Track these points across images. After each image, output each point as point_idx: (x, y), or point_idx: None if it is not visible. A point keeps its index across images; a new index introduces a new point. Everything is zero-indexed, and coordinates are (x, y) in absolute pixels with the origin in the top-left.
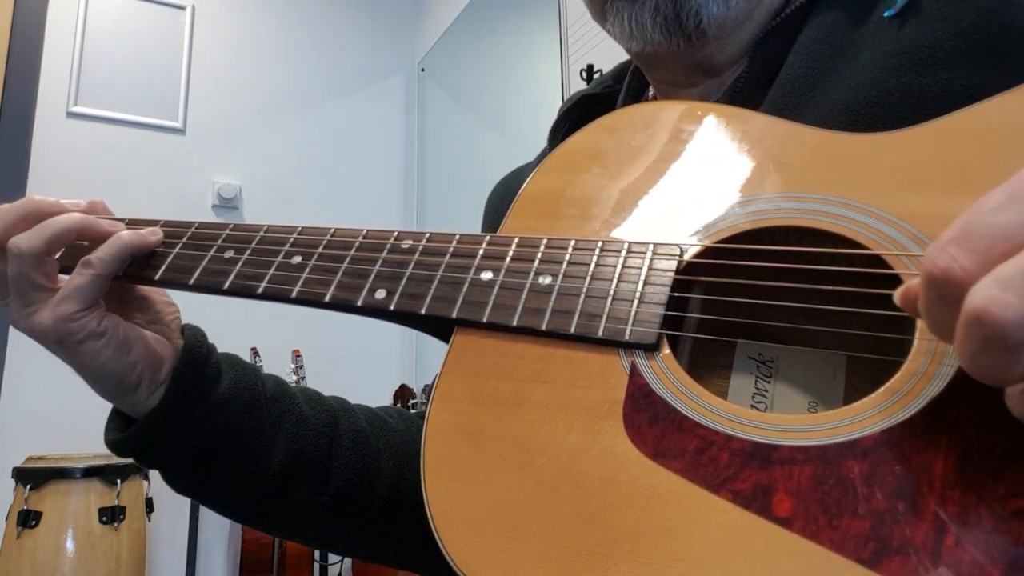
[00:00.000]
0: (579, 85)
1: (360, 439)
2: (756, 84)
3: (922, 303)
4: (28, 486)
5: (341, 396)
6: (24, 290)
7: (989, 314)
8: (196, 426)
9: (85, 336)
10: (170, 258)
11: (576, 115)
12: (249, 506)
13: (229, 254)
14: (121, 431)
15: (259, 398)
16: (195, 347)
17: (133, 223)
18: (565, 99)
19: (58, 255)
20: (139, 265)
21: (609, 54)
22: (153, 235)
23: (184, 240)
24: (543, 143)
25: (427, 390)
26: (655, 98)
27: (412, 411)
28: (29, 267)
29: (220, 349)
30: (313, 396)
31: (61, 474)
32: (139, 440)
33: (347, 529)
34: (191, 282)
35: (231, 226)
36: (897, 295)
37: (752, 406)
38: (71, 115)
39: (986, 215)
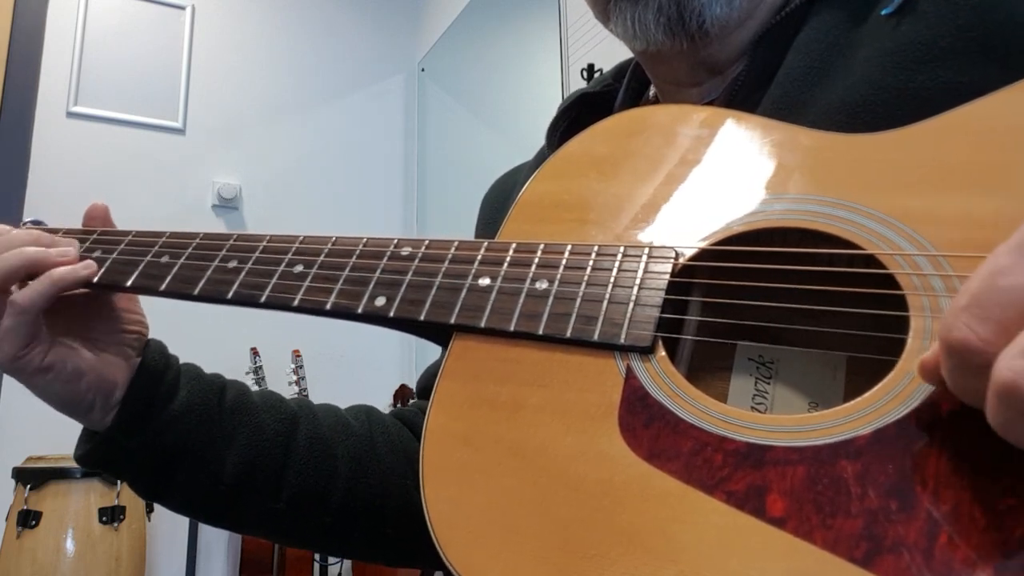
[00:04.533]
0: (579, 85)
1: (317, 446)
2: (755, 83)
3: (944, 370)
4: (28, 486)
5: (340, 396)
6: None
7: (1019, 388)
8: (150, 443)
9: (31, 372)
10: (175, 269)
11: (574, 113)
12: (208, 512)
13: (233, 264)
14: (89, 443)
15: (213, 411)
16: (150, 366)
17: (140, 234)
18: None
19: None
20: (145, 276)
21: (610, 53)
22: (86, 269)
23: (189, 251)
24: (543, 143)
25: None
26: (655, 97)
27: (396, 407)
28: None
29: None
30: (274, 403)
31: (61, 474)
32: (99, 455)
33: (304, 532)
34: (195, 292)
35: (235, 236)
36: (917, 369)
37: (752, 407)
38: (71, 115)
39: (997, 280)
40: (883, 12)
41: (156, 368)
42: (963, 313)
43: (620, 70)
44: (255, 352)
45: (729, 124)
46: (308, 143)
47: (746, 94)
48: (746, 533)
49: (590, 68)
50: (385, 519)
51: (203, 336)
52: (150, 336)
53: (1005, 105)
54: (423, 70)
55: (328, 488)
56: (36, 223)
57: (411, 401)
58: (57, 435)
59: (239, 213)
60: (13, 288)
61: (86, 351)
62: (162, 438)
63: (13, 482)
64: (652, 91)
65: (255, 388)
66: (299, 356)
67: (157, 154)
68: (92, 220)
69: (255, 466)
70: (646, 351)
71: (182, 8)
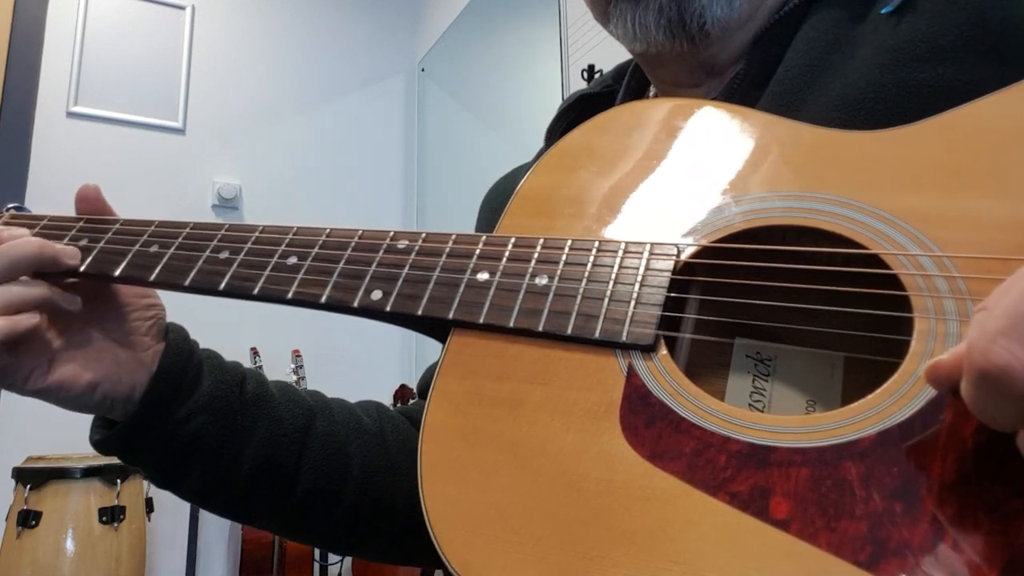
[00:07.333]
0: (579, 85)
1: (332, 443)
2: (754, 82)
3: (972, 396)
4: (28, 486)
5: (341, 396)
6: None
7: None
8: (172, 433)
9: (38, 393)
10: (165, 259)
11: (574, 115)
12: (221, 504)
13: (224, 255)
14: (106, 429)
15: (234, 403)
16: (174, 356)
17: (129, 222)
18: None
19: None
20: (133, 267)
21: (610, 54)
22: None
23: (179, 241)
24: (543, 144)
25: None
26: (655, 97)
27: (398, 406)
28: None
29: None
30: (291, 397)
31: (61, 474)
32: (117, 443)
33: (315, 528)
34: (186, 283)
35: (226, 226)
36: (926, 373)
37: (750, 405)
38: (71, 115)
39: None
40: (883, 11)
41: (180, 357)
42: (1001, 337)
43: (620, 71)
44: (255, 352)
45: (731, 119)
46: (308, 143)
47: (745, 92)
48: (749, 535)
49: (590, 69)
50: (394, 517)
51: (202, 336)
52: None
53: (1006, 106)
54: (423, 70)
55: (341, 485)
56: (19, 209)
57: (411, 401)
58: (57, 435)
59: (239, 213)
60: None
61: (96, 359)
62: (183, 429)
63: (13, 482)
64: (652, 91)
65: None
66: (299, 356)
67: (157, 154)
68: (83, 202)
69: (272, 460)
70: (648, 349)
71: (182, 8)
